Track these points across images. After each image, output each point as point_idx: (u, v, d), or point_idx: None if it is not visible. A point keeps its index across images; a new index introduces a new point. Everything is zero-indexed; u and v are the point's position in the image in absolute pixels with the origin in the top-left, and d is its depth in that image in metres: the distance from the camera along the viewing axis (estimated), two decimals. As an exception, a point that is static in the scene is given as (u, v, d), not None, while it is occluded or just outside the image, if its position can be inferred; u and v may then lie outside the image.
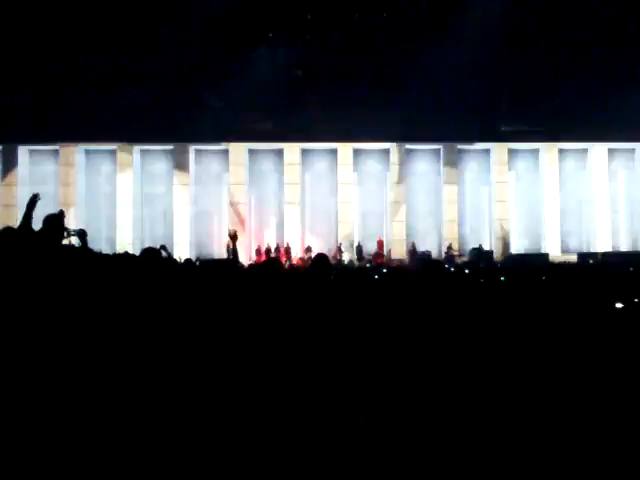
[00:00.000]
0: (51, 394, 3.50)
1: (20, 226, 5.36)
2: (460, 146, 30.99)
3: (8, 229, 5.26)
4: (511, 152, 31.38)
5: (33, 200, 5.60)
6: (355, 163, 30.97)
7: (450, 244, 29.67)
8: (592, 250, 29.80)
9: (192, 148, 30.44)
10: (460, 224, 31.07)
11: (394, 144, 30.49)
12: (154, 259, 5.20)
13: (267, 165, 31.48)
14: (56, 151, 29.74)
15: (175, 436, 3.39)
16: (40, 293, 4.25)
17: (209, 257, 26.89)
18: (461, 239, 30.84)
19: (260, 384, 3.59)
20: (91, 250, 5.86)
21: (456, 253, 29.13)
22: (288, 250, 29.17)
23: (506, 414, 3.51)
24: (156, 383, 3.70)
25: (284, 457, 3.26)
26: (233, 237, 6.78)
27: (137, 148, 30.17)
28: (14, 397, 3.42)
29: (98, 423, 3.41)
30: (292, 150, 30.48)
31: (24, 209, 5.50)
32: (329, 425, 3.40)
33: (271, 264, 4.78)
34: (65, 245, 5.30)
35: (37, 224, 5.38)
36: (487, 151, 31.44)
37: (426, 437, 3.36)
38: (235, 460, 3.27)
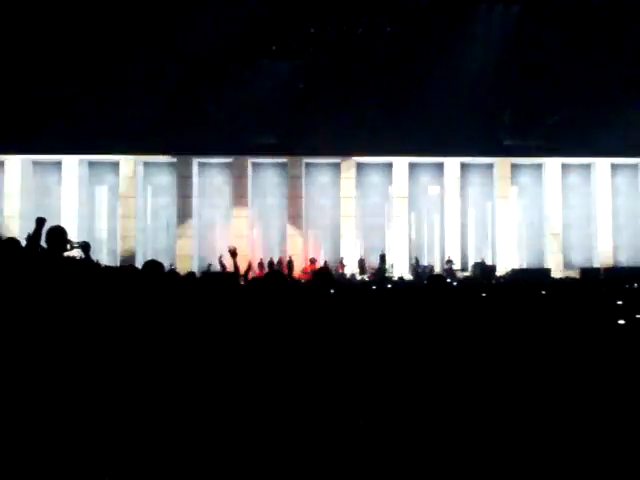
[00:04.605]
0: (53, 401, 3.51)
1: (28, 239, 5.42)
2: (463, 160, 31.02)
3: (12, 240, 5.29)
4: (514, 167, 31.41)
5: (40, 222, 5.68)
6: (358, 177, 31.00)
7: (449, 258, 29.59)
8: (595, 266, 29.77)
9: (196, 161, 30.49)
10: (463, 238, 31.04)
11: (397, 158, 30.51)
12: (156, 272, 5.21)
13: (270, 178, 31.52)
14: (58, 163, 29.78)
15: (175, 437, 3.40)
16: (42, 303, 4.26)
17: (212, 270, 26.86)
18: (463, 254, 30.79)
19: (261, 387, 3.60)
20: (94, 262, 5.89)
21: (456, 267, 29.04)
22: (290, 264, 29.16)
23: (504, 419, 3.52)
24: (154, 389, 3.71)
25: (285, 457, 3.26)
26: (233, 253, 6.80)
27: (140, 160, 30.23)
28: (16, 404, 3.42)
29: (98, 424, 3.42)
30: (296, 164, 30.54)
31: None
32: (330, 425, 3.40)
33: (276, 275, 4.79)
34: (68, 257, 5.32)
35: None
36: (490, 165, 31.47)
37: (426, 437, 3.37)
38: (235, 460, 3.27)
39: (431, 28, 26.22)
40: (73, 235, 6.56)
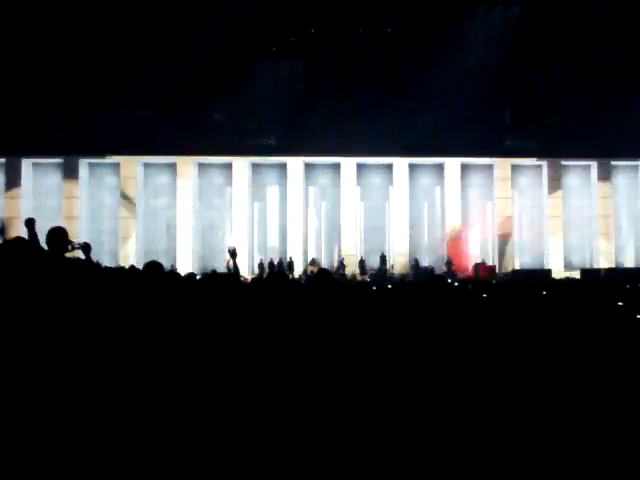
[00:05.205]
0: (53, 401, 3.51)
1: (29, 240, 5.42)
2: (463, 161, 31.02)
3: (20, 239, 5.30)
4: (514, 167, 31.42)
5: (29, 223, 5.69)
6: (358, 177, 30.99)
7: (449, 259, 29.57)
8: (595, 266, 29.77)
9: (195, 161, 30.49)
10: (463, 239, 31.03)
11: (397, 159, 30.52)
12: (157, 273, 5.21)
13: (270, 179, 31.53)
14: (60, 164, 29.78)
15: (175, 437, 3.40)
16: (43, 303, 4.26)
17: (211, 271, 26.84)
18: (464, 254, 30.78)
19: (262, 387, 3.60)
20: (95, 263, 5.89)
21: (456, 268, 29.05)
22: (291, 265, 29.17)
23: (504, 419, 3.53)
24: (155, 389, 3.72)
25: (285, 457, 3.26)
26: (233, 254, 6.80)
27: (141, 161, 30.23)
28: (16, 404, 3.43)
29: (98, 424, 3.43)
30: (295, 164, 30.54)
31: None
32: (330, 425, 3.40)
33: (279, 276, 4.79)
34: (69, 258, 5.33)
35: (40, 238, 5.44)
36: (490, 166, 31.47)
37: (426, 437, 3.37)
38: (235, 460, 3.27)
39: (431, 29, 26.24)
40: (74, 236, 6.57)
